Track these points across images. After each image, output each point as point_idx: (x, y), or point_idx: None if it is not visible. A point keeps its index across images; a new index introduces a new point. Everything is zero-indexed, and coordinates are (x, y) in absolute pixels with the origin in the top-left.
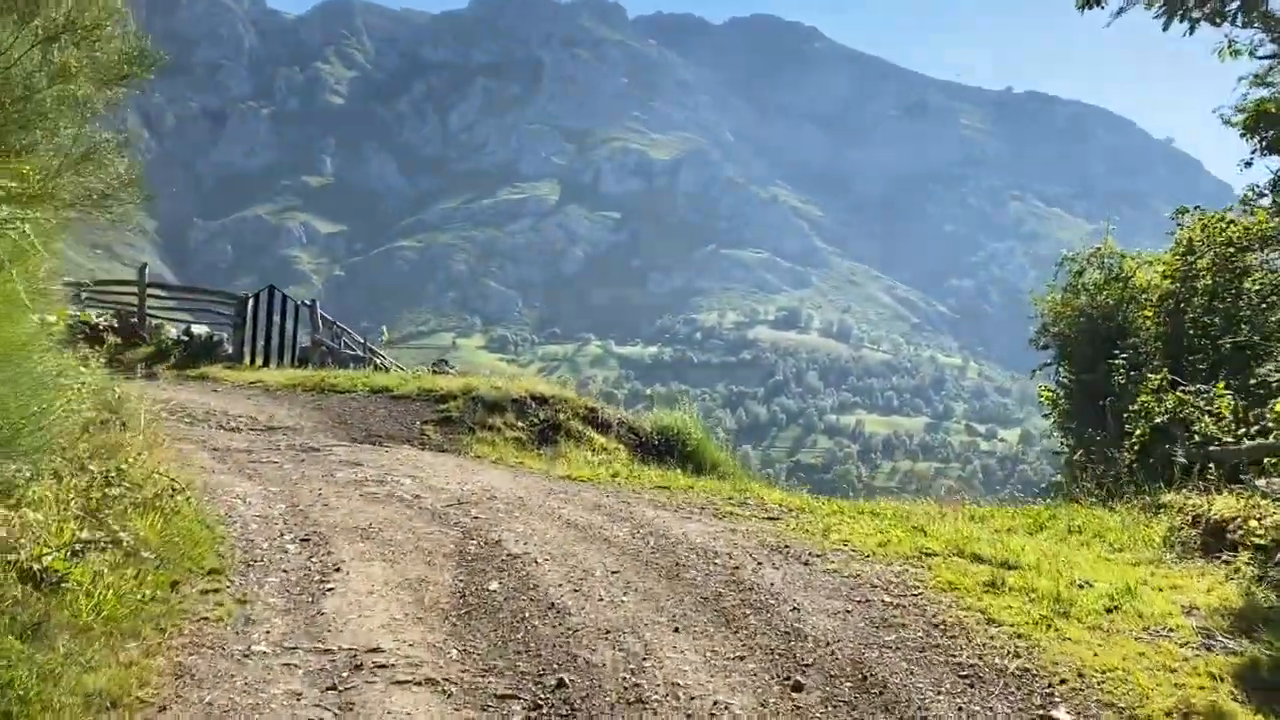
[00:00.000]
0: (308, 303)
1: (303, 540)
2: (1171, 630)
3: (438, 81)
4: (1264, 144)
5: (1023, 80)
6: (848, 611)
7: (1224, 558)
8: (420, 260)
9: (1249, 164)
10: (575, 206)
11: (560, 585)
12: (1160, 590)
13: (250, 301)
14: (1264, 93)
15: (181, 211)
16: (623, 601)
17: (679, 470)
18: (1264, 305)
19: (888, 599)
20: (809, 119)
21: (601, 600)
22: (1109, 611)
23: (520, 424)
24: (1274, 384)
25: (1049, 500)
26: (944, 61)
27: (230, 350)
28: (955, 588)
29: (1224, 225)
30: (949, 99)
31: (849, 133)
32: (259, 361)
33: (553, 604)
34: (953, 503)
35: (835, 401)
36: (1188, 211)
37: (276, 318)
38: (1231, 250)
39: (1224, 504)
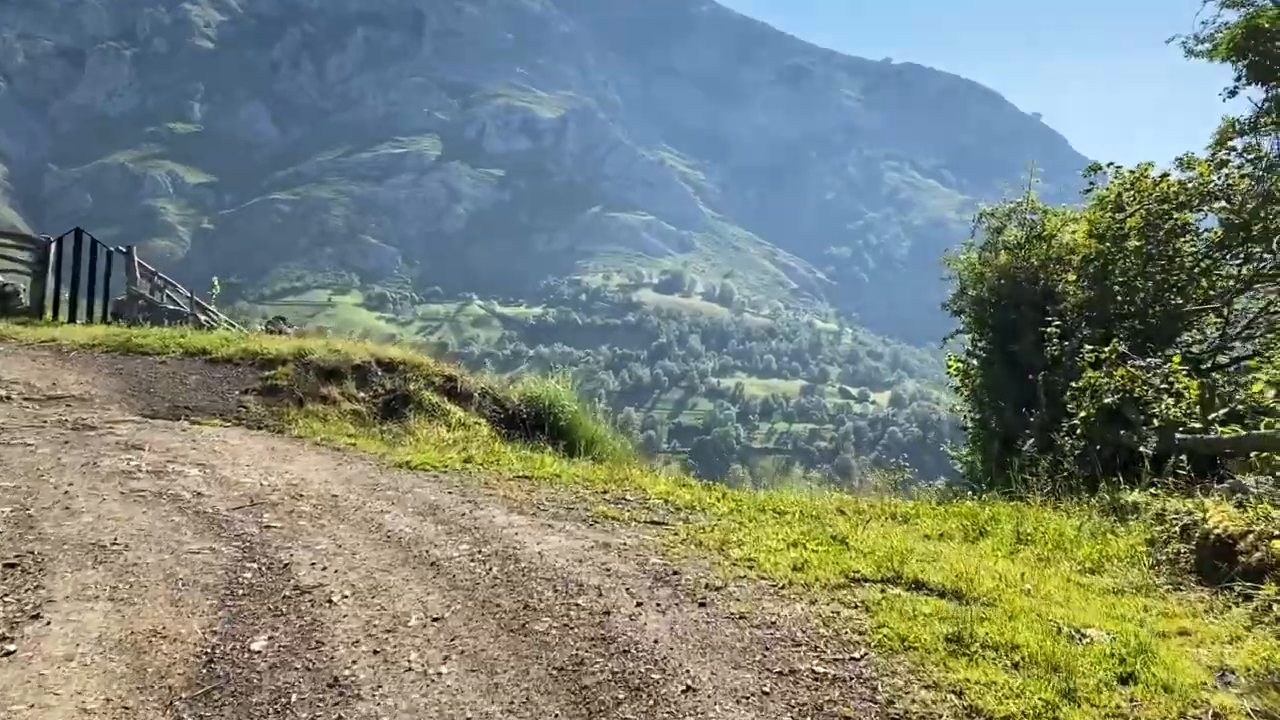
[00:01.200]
0: (123, 249)
1: (6, 566)
2: (1217, 718)
3: (314, 29)
4: (1251, 70)
5: (900, 51)
6: (765, 694)
7: (1238, 588)
8: (295, 214)
9: (1233, 93)
10: (458, 163)
11: (357, 643)
12: (1166, 637)
13: (53, 246)
14: (1234, 15)
15: (35, 156)
16: (439, 675)
17: (549, 451)
18: (1197, 269)
19: (819, 668)
20: (692, 81)
21: (410, 671)
22: (1124, 683)
23: (362, 394)
24: (1201, 354)
25: (970, 491)
26: (824, 28)
27: (27, 303)
28: (909, 646)
29: (1157, 181)
30: (829, 68)
31: (730, 97)
32: (62, 317)
33: (337, 678)
34: (866, 495)
35: (716, 364)
36: (1100, 169)
37: (86, 266)
38: (1166, 207)
39: (1222, 513)
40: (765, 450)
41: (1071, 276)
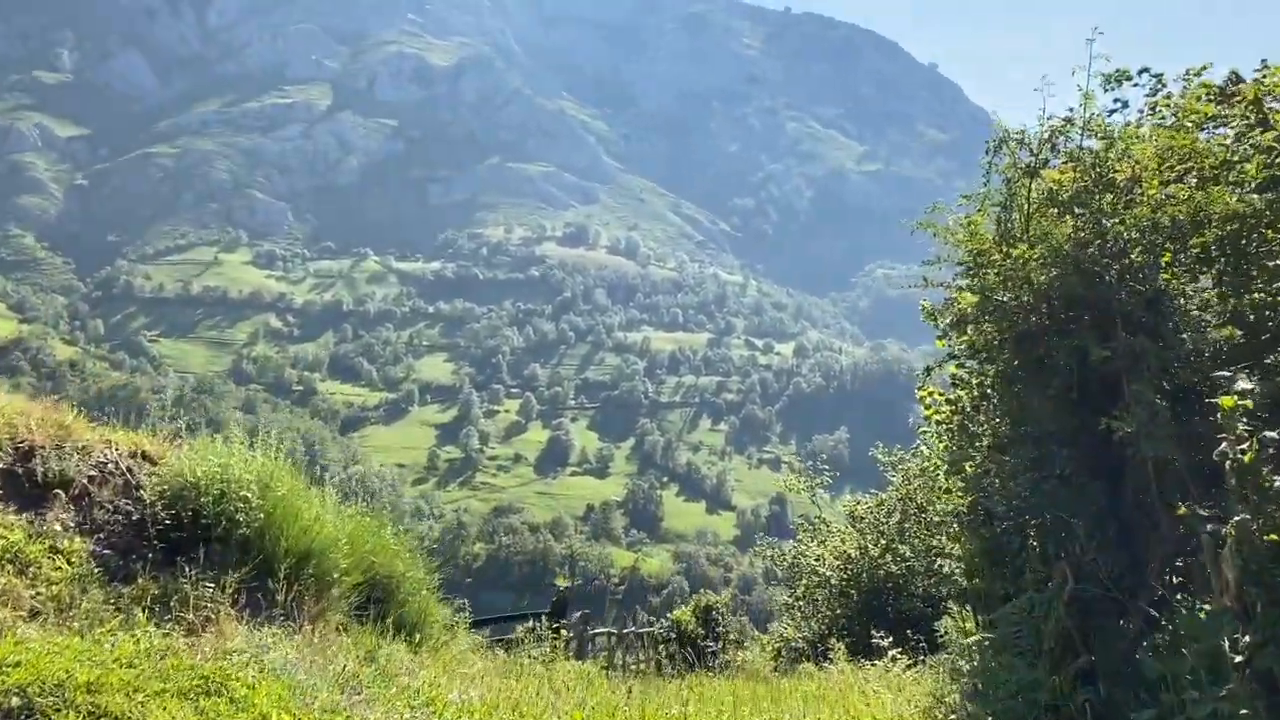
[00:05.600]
0: None
1: None
2: None
3: None
4: None
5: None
6: None
7: None
8: (176, 168)
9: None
10: (349, 113)
11: None
12: None
13: None
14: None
15: None
16: None
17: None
18: None
19: None
20: (594, 29)
21: None
22: None
23: None
24: None
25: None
26: None
27: None
28: None
29: None
30: (729, 16)
31: (632, 46)
32: None
33: None
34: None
35: (623, 319)
36: (1132, 78)
37: None
38: None
39: None
40: (673, 404)
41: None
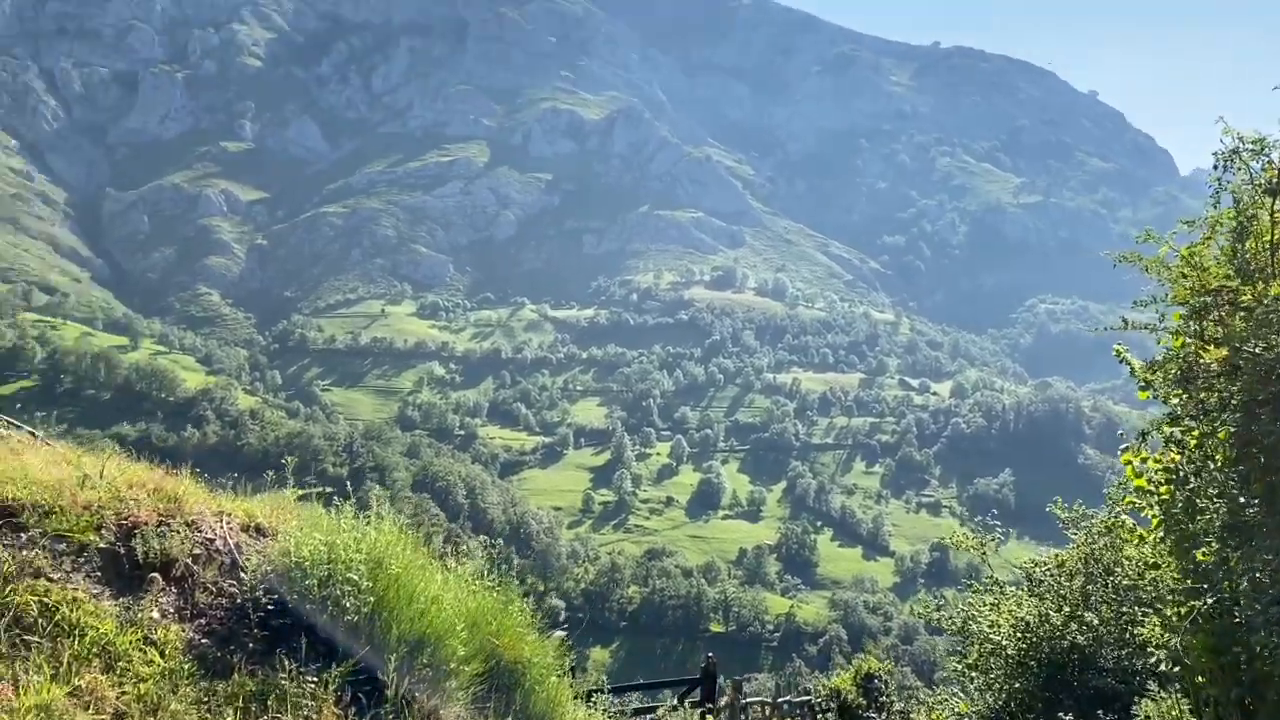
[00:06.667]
0: None
1: None
2: None
3: (359, 42)
4: None
5: (949, 35)
6: None
7: None
8: (346, 226)
9: None
10: (505, 169)
11: None
12: None
13: None
14: None
15: (94, 182)
16: None
17: None
18: None
19: None
20: (736, 76)
21: None
22: None
23: None
24: None
25: None
26: (870, 16)
27: None
28: None
29: None
30: (875, 54)
31: (775, 90)
32: None
33: None
34: None
35: (772, 360)
36: None
37: None
38: None
39: None
40: (825, 446)
41: None
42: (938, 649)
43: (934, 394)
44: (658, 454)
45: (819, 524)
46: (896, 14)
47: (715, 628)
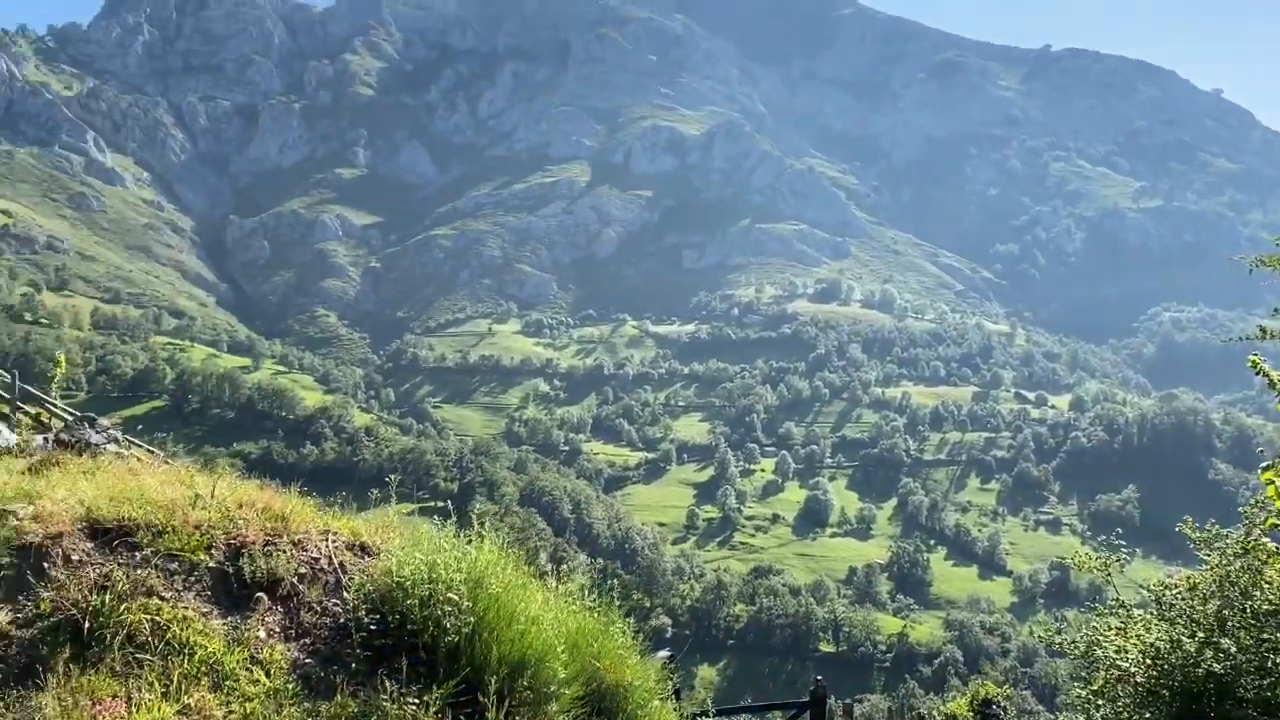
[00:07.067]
0: None
1: None
2: None
3: (466, 69)
4: None
5: (1061, 37)
6: None
7: None
8: (454, 248)
9: None
10: (607, 187)
11: None
12: None
13: None
14: None
15: (218, 210)
16: None
17: None
18: None
19: None
20: (838, 85)
21: None
22: None
23: (1, 619)
24: None
25: None
26: (976, 21)
27: None
28: None
29: None
30: (981, 59)
31: (879, 98)
32: None
33: None
34: None
35: (880, 374)
36: None
37: None
38: None
39: None
40: (938, 462)
41: None
42: (1059, 673)
43: (1052, 407)
44: (762, 470)
45: (932, 542)
46: (1003, 18)
47: (825, 648)
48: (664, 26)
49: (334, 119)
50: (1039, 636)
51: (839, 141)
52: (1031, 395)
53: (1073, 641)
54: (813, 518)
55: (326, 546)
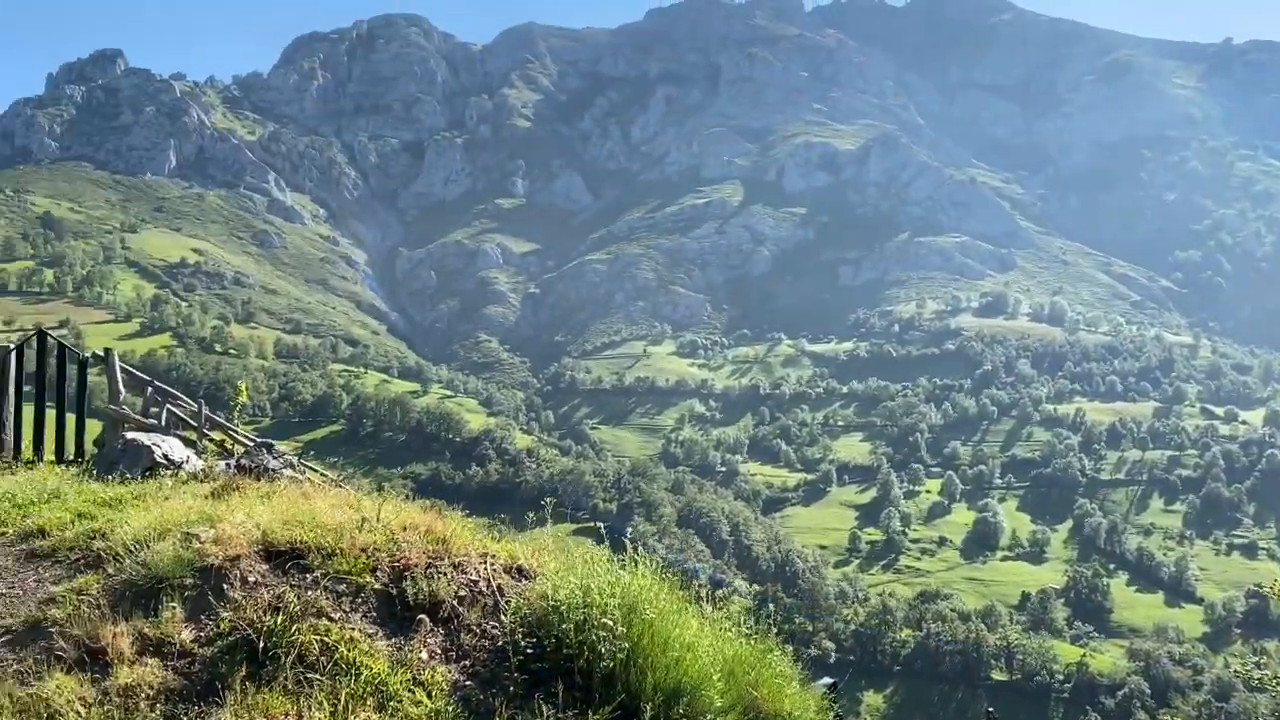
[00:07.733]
0: (100, 354)
1: None
2: None
3: (618, 96)
4: None
5: (1242, 29)
6: None
7: None
8: (609, 272)
9: None
10: (759, 206)
11: None
12: None
13: (12, 356)
14: None
15: (388, 243)
16: None
17: None
18: None
19: None
20: (996, 92)
21: None
22: None
23: (186, 635)
24: None
25: None
26: (1148, 18)
27: None
28: None
29: None
30: (1155, 57)
31: (1043, 103)
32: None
33: None
34: None
35: (1051, 390)
36: None
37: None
38: None
39: None
40: (1116, 482)
41: None
42: (1259, 710)
43: (1243, 423)
44: (927, 491)
45: (1112, 566)
46: (1177, 13)
47: (997, 675)
48: (815, 42)
49: (494, 151)
50: (1235, 670)
51: (1001, 150)
52: (1220, 410)
53: (1275, 676)
54: (982, 540)
55: (485, 569)
